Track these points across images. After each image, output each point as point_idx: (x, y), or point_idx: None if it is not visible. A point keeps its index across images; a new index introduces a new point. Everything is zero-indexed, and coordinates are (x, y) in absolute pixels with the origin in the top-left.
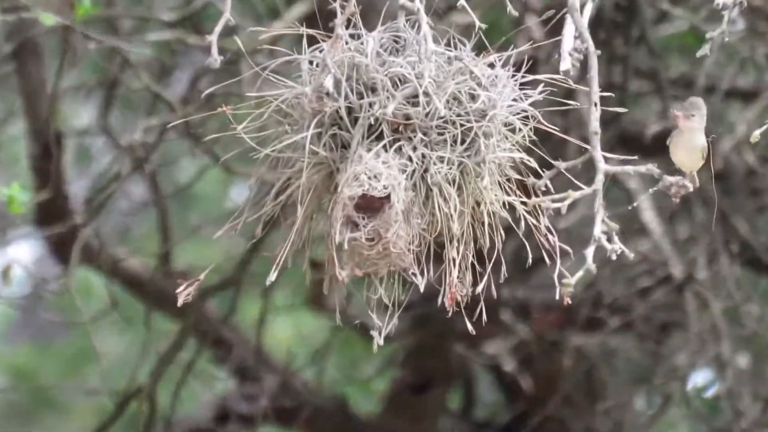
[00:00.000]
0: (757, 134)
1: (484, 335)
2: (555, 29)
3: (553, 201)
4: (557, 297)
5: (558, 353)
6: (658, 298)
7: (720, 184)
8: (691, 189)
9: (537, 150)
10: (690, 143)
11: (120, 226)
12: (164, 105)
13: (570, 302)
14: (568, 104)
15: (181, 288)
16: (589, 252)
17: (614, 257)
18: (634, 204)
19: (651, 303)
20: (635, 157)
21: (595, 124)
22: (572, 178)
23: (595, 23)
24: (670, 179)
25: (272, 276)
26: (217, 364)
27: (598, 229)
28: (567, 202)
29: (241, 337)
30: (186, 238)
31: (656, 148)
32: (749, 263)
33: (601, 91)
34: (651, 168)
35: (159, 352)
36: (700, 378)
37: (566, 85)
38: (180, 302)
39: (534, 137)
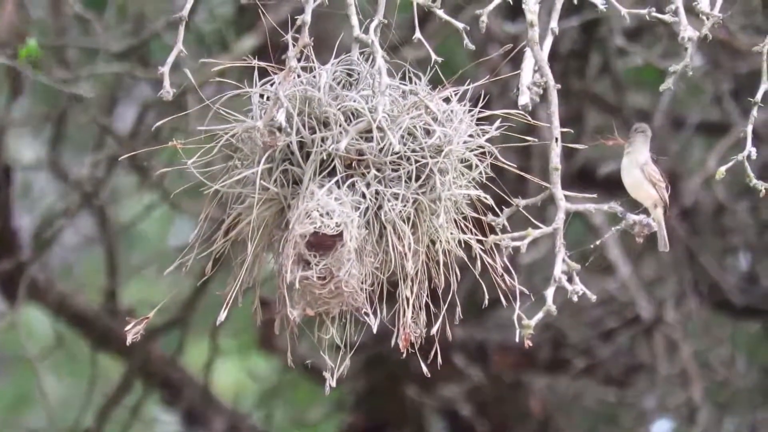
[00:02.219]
0: (722, 170)
1: (438, 378)
2: (514, 63)
3: (513, 239)
4: (516, 339)
5: (517, 396)
6: (625, 340)
7: (688, 222)
8: (655, 229)
9: (494, 187)
10: (627, 163)
11: (64, 263)
12: (112, 139)
13: (530, 344)
14: (527, 140)
15: (130, 326)
16: (549, 293)
17: (575, 298)
18: (597, 242)
19: (617, 345)
20: (595, 195)
21: (555, 160)
22: (529, 217)
23: (553, 56)
24: (633, 218)
25: (222, 315)
26: (164, 406)
27: (558, 269)
28: (527, 241)
29: (188, 379)
30: (130, 276)
31: (620, 184)
32: (719, 306)
33: (561, 126)
34: (613, 206)
35: (105, 393)
36: (666, 423)
37: (525, 121)
38: (129, 341)
39: (492, 174)
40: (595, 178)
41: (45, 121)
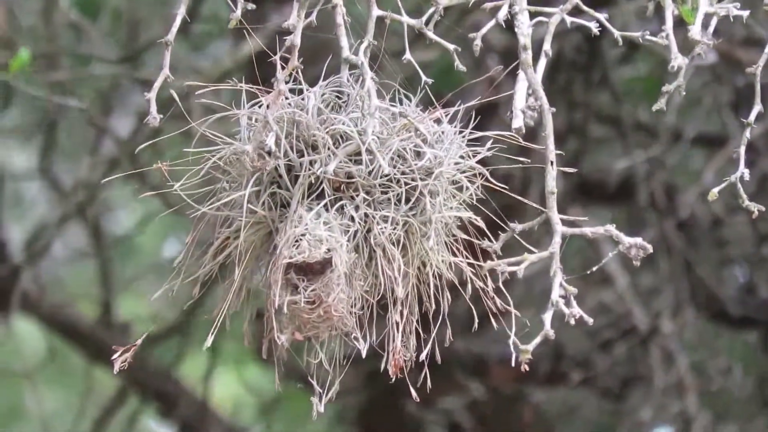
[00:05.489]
0: (715, 192)
1: (439, 392)
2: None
3: (509, 264)
4: (514, 361)
5: (517, 409)
6: (622, 351)
7: (686, 234)
8: (651, 250)
9: (486, 210)
10: None
11: (55, 275)
12: (110, 140)
13: (527, 368)
14: (520, 161)
15: (118, 354)
16: (547, 317)
17: (572, 322)
18: (594, 268)
19: (614, 356)
20: (586, 219)
21: (551, 183)
22: (522, 242)
23: (555, 66)
24: (629, 241)
25: (209, 341)
26: (160, 418)
27: (555, 294)
28: (523, 266)
29: (185, 391)
30: (123, 289)
31: (619, 195)
32: (715, 316)
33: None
34: (609, 229)
35: (99, 405)
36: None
37: (517, 143)
38: (116, 369)
39: (484, 195)
40: (604, 186)
41: (36, 129)
